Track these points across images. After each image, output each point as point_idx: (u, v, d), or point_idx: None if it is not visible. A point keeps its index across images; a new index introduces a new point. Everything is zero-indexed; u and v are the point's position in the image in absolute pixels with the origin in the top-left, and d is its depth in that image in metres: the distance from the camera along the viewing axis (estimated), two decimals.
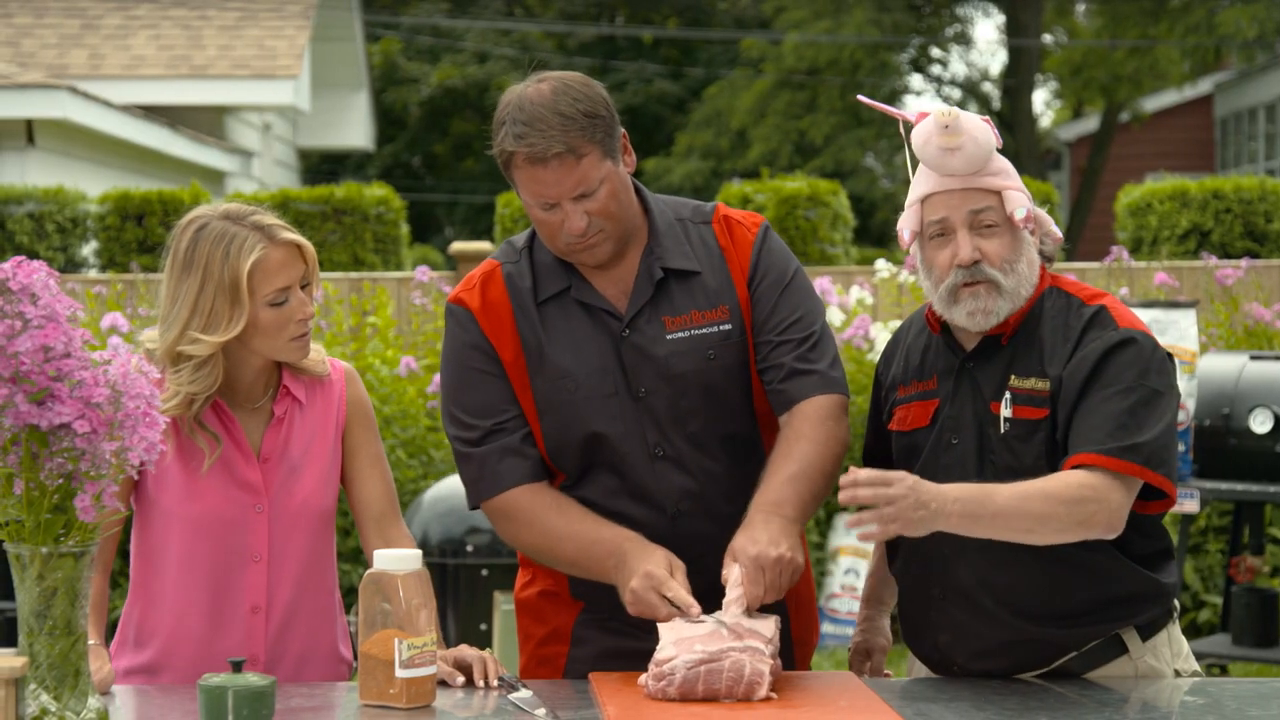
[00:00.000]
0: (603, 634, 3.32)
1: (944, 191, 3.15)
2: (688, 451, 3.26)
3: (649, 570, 3.07)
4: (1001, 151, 3.19)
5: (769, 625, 3.01)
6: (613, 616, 3.28)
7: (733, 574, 3.05)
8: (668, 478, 3.25)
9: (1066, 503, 2.99)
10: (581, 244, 3.20)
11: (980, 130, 3.11)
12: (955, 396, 3.20)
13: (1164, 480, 3.06)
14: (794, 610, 3.38)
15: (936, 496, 2.94)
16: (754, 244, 3.33)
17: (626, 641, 3.22)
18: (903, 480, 2.92)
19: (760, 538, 3.06)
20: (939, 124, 3.10)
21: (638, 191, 3.32)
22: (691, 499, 3.26)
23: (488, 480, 3.27)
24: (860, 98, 3.37)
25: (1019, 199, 3.13)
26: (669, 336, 3.25)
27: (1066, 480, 3.01)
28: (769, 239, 3.35)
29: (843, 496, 2.90)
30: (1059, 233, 3.26)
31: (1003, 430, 3.14)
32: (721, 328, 3.28)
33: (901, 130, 3.23)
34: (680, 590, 3.05)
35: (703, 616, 3.02)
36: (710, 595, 3.09)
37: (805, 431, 3.21)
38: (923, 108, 3.19)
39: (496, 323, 3.28)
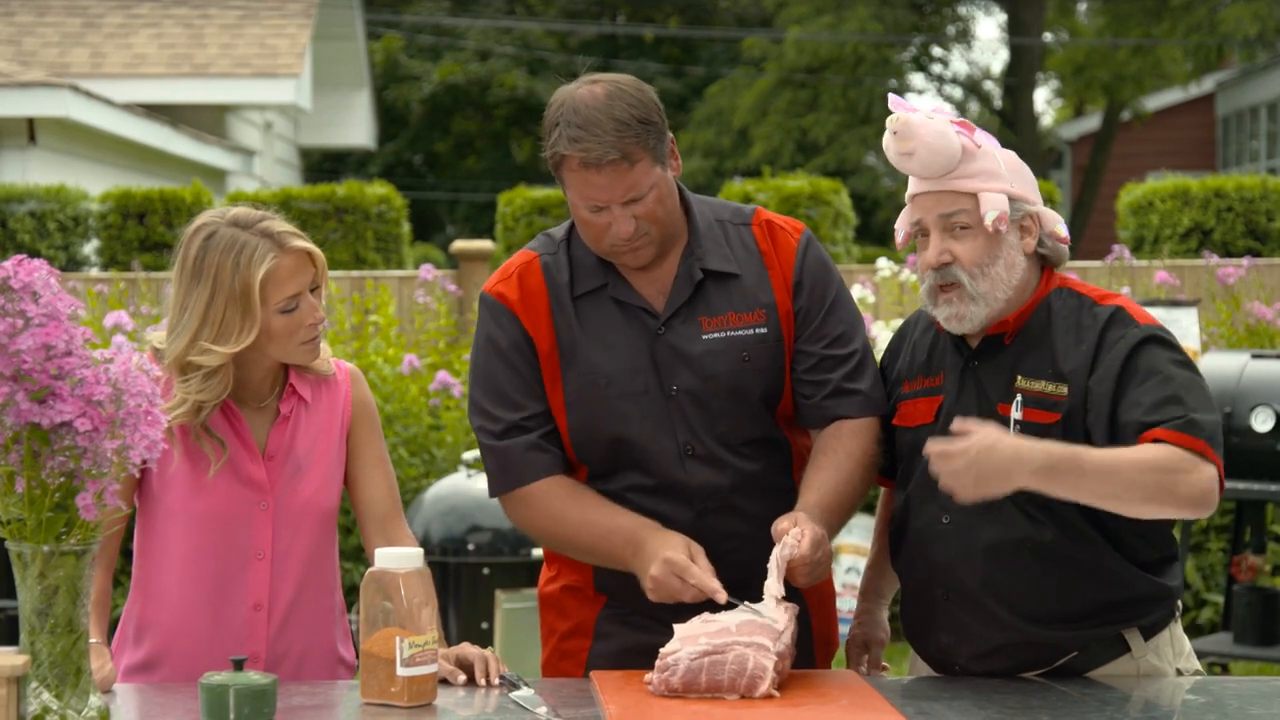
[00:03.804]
0: (626, 629, 3.33)
1: (923, 193, 3.18)
2: (718, 450, 3.27)
3: (668, 557, 3.10)
4: (1014, 149, 3.20)
5: (783, 617, 3.02)
6: (636, 611, 3.29)
7: (792, 530, 3.09)
8: (698, 475, 3.26)
9: (1157, 471, 2.95)
10: (627, 247, 3.21)
11: (934, 135, 3.11)
12: (960, 395, 3.20)
13: (1220, 461, 3.02)
14: (815, 608, 3.40)
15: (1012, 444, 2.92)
16: (798, 251, 3.34)
17: (649, 637, 3.21)
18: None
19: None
20: (889, 129, 3.14)
21: (679, 192, 3.33)
22: (720, 496, 3.27)
23: (509, 473, 3.29)
24: (891, 96, 3.36)
25: (994, 202, 3.13)
26: (704, 336, 3.27)
27: (1137, 450, 2.97)
28: (813, 247, 3.37)
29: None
30: (1065, 233, 3.24)
31: (1012, 432, 3.13)
32: (757, 331, 3.29)
33: None
34: (703, 576, 3.09)
35: (732, 599, 3.05)
36: (736, 589, 3.13)
37: (854, 451, 3.28)
38: (928, 107, 3.19)
39: (534, 313, 3.29)
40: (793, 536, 3.08)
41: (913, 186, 3.20)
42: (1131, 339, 3.10)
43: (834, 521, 3.22)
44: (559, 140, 3.16)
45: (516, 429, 3.28)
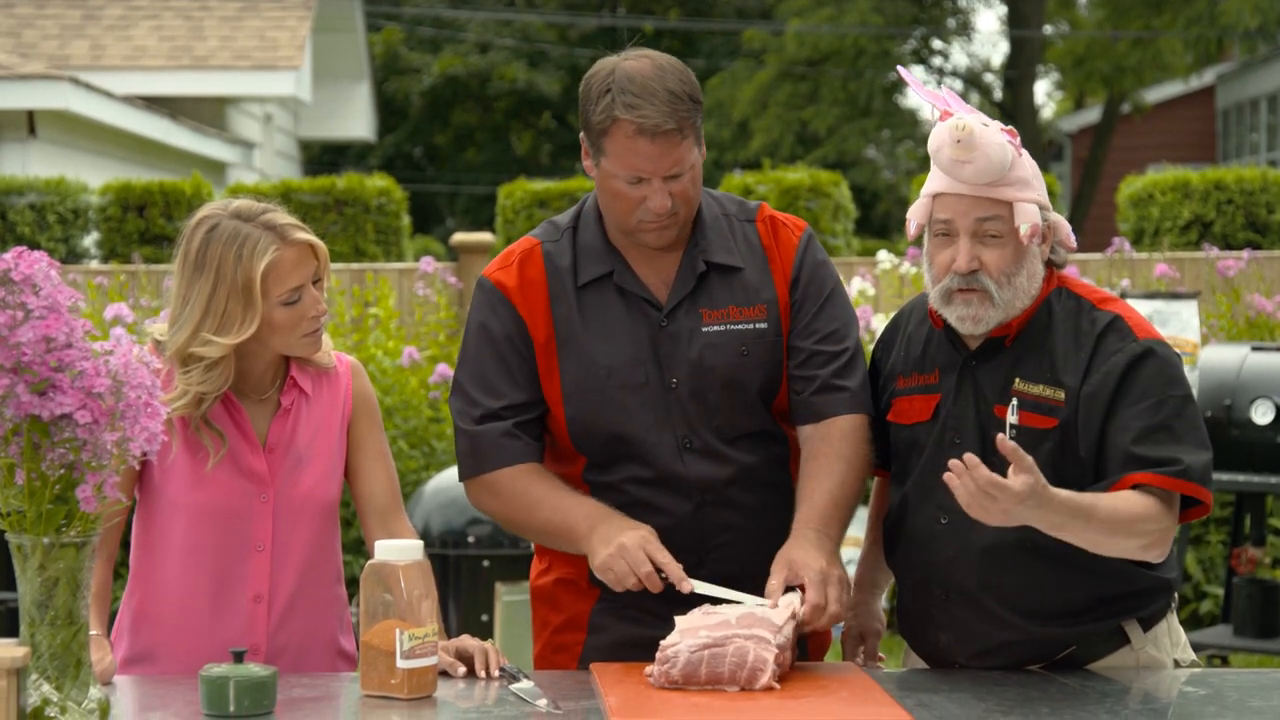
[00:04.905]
0: (620, 622, 3.32)
1: (954, 194, 3.12)
2: (715, 443, 3.28)
3: (643, 534, 3.13)
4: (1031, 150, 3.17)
5: (782, 613, 3.02)
6: (631, 604, 3.29)
7: (785, 595, 3.09)
8: (696, 468, 3.27)
9: (1139, 521, 2.99)
10: (656, 224, 3.21)
11: (995, 147, 3.06)
12: (958, 395, 3.19)
13: (1209, 495, 3.08)
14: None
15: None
16: (798, 248, 3.35)
17: (644, 630, 3.21)
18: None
19: (820, 556, 3.13)
20: (951, 137, 3.08)
21: None
22: (717, 489, 3.27)
23: (479, 457, 3.29)
24: (900, 69, 3.35)
25: (1028, 213, 3.09)
26: (705, 329, 3.27)
27: (1130, 501, 3.01)
28: (813, 245, 3.38)
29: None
30: (1073, 242, 3.22)
31: (1008, 436, 3.12)
32: (757, 325, 3.29)
33: (930, 115, 3.21)
34: (672, 560, 3.12)
35: (736, 594, 3.09)
36: (733, 582, 3.15)
37: (845, 452, 3.27)
38: (947, 105, 3.15)
39: (532, 301, 3.29)
40: (787, 597, 3.07)
41: (939, 184, 3.14)
42: (1129, 354, 3.08)
43: (836, 531, 3.21)
44: (613, 105, 3.13)
45: (494, 416, 3.28)
